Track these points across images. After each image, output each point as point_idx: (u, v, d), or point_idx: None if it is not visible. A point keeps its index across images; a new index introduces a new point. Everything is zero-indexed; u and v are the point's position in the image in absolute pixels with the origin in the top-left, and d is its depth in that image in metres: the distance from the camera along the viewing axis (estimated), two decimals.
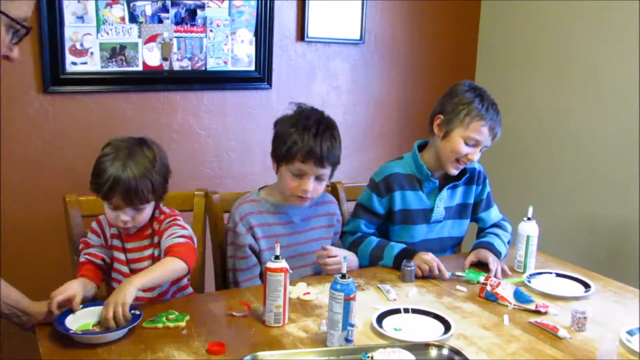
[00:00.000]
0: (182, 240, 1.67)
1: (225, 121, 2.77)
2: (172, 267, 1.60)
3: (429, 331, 1.56)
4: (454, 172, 2.04)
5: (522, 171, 3.18)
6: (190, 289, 1.91)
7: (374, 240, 2.04)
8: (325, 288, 1.73)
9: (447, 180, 2.10)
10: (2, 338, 2.13)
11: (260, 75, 2.81)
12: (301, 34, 2.88)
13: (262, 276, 1.91)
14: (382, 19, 3.07)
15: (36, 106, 2.40)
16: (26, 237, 2.42)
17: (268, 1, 2.73)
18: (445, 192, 2.09)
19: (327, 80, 3.01)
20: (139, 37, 2.52)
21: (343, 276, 1.44)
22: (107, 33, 2.46)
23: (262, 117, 2.79)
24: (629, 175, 2.66)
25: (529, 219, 2.02)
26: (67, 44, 2.38)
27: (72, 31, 2.38)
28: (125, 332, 1.46)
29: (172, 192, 2.06)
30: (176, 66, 2.62)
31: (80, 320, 1.50)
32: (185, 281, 1.87)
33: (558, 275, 1.97)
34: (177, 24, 2.58)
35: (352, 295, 1.43)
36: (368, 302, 1.72)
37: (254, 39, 2.75)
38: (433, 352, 1.42)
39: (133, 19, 2.49)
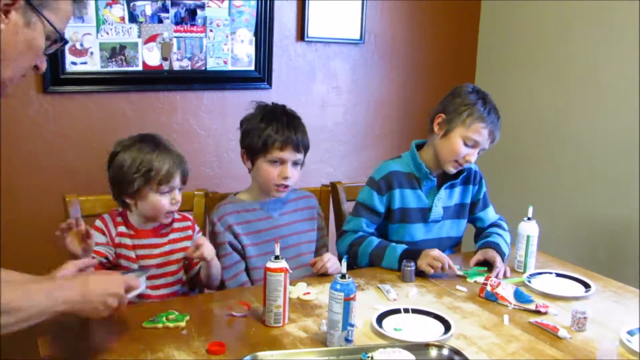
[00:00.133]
0: None
1: (225, 121, 2.77)
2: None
3: (429, 331, 1.56)
4: (452, 170, 2.05)
5: (522, 171, 3.18)
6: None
7: (375, 240, 2.04)
8: (325, 288, 1.73)
9: (445, 179, 2.11)
10: (2, 338, 2.12)
11: (260, 75, 2.81)
12: (301, 34, 2.88)
13: (247, 271, 1.96)
14: (382, 19, 3.07)
15: (36, 106, 2.40)
16: (26, 237, 2.42)
17: (268, 1, 2.73)
18: (443, 192, 2.10)
19: (327, 80, 3.01)
20: (139, 37, 2.52)
21: (343, 276, 1.44)
22: (107, 33, 2.46)
23: None
24: (629, 175, 2.66)
25: (529, 219, 2.02)
26: (67, 44, 2.38)
27: (72, 31, 2.38)
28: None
29: None
30: (176, 66, 2.62)
31: None
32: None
33: (558, 275, 1.97)
34: (177, 23, 2.58)
35: (352, 295, 1.43)
36: (368, 302, 1.72)
37: (254, 38, 2.75)
38: (433, 352, 1.42)
39: (133, 18, 2.49)
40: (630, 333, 1.57)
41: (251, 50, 2.76)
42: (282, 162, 1.92)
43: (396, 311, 1.64)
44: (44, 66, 1.23)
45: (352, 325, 1.44)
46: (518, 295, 1.75)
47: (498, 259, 1.99)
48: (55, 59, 2.36)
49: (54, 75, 2.37)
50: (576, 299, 1.82)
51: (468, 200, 2.18)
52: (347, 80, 3.07)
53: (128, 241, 1.78)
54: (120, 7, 2.46)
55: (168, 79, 2.62)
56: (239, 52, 2.74)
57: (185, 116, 2.70)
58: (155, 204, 1.75)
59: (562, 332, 1.57)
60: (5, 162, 2.35)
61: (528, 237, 2.00)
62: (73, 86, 2.44)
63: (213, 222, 1.96)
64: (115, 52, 2.48)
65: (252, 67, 2.78)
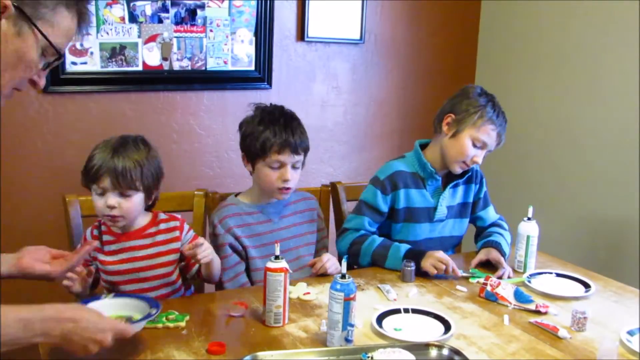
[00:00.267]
0: None
1: (225, 121, 2.77)
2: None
3: (429, 331, 1.56)
4: (459, 170, 2.06)
5: (522, 171, 3.18)
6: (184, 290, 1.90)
7: (377, 239, 2.04)
8: (325, 288, 1.73)
9: (450, 178, 2.12)
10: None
11: (260, 75, 2.81)
12: (301, 34, 2.88)
13: (248, 273, 1.96)
14: (382, 19, 3.07)
15: (36, 106, 2.40)
16: (26, 237, 2.42)
17: (268, 1, 2.73)
18: (447, 191, 2.11)
19: (327, 80, 3.01)
20: (139, 37, 2.52)
21: (343, 276, 1.44)
22: (107, 33, 2.46)
23: None
24: (629, 175, 2.66)
25: (529, 219, 2.02)
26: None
27: None
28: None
29: (172, 192, 2.08)
30: (176, 66, 2.62)
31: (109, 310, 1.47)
32: (178, 284, 1.84)
33: (558, 275, 1.97)
34: (177, 23, 2.58)
35: (352, 295, 1.43)
36: (368, 302, 1.72)
37: (254, 38, 2.75)
38: (433, 352, 1.42)
39: (133, 18, 2.49)
40: (630, 333, 1.57)
41: (251, 50, 2.76)
42: (282, 165, 1.91)
43: (396, 311, 1.64)
44: (42, 82, 1.19)
45: (352, 325, 1.44)
46: (518, 295, 1.75)
47: (502, 260, 1.99)
48: None
49: (54, 75, 2.37)
50: (576, 299, 1.82)
51: (471, 199, 2.18)
52: (347, 80, 3.07)
53: (112, 247, 1.73)
54: (120, 7, 2.46)
55: (168, 79, 2.62)
56: (239, 52, 2.74)
57: (185, 116, 2.70)
58: (96, 206, 1.70)
59: (562, 332, 1.57)
60: (5, 162, 2.35)
61: (528, 237, 2.00)
62: (73, 86, 2.44)
63: (214, 224, 1.95)
64: (115, 52, 2.49)
65: (252, 67, 2.78)
